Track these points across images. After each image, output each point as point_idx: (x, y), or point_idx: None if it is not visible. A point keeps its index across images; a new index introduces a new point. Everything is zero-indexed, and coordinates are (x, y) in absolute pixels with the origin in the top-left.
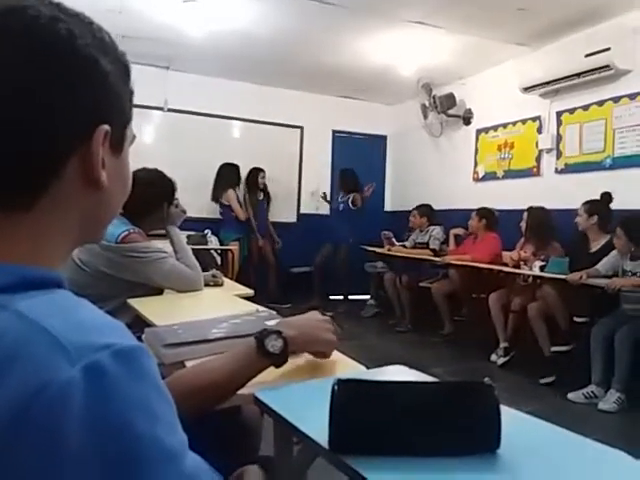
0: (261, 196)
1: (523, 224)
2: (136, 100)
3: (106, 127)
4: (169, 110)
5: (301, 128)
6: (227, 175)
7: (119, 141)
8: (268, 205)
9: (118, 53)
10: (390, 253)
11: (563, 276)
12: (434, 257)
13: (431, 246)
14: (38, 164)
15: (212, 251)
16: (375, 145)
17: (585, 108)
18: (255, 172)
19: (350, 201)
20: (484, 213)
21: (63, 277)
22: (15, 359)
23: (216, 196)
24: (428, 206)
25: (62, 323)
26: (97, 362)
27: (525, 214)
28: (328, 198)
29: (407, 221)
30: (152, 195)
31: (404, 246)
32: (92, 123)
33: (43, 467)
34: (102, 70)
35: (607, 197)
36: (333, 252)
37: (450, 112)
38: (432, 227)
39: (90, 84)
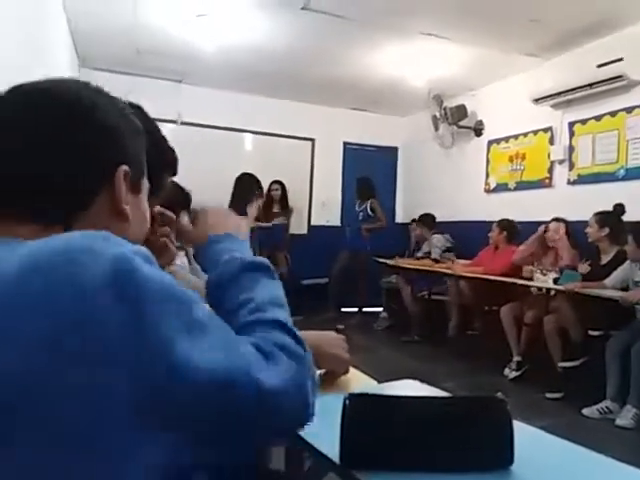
0: (277, 209)
1: (551, 234)
2: (150, 114)
3: (125, 167)
4: (182, 123)
5: (312, 140)
6: (247, 187)
7: (136, 183)
8: (287, 218)
9: (132, 120)
10: (401, 265)
11: (561, 287)
12: (444, 268)
13: (432, 255)
14: (75, 193)
15: None
16: (386, 157)
17: (598, 119)
18: (269, 185)
19: (369, 208)
20: (505, 225)
21: None
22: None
23: (239, 209)
24: (428, 215)
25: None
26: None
27: (552, 226)
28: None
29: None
30: (167, 207)
31: (417, 258)
32: (114, 164)
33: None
34: (119, 131)
35: (620, 209)
36: (350, 261)
37: (461, 123)
38: (434, 236)
39: (111, 140)
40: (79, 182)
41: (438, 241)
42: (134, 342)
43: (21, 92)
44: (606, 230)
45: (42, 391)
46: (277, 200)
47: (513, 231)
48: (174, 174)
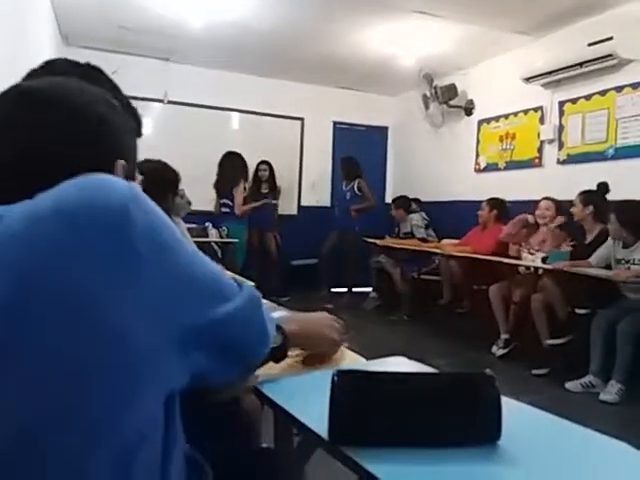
0: (265, 189)
1: (541, 212)
2: (136, 92)
3: (122, 162)
4: (169, 102)
5: (302, 120)
6: (234, 166)
7: (131, 177)
8: (276, 198)
9: (127, 118)
10: (390, 245)
11: (549, 266)
12: (433, 248)
13: (416, 235)
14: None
15: (213, 244)
16: (376, 136)
17: (587, 98)
18: (257, 166)
19: (356, 187)
20: (495, 203)
21: None
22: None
23: (225, 189)
24: (402, 197)
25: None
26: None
27: (546, 202)
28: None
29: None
30: (156, 186)
31: (400, 237)
32: (114, 158)
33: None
34: (114, 127)
35: (604, 187)
36: (339, 241)
37: (451, 103)
38: (410, 216)
39: (109, 136)
40: (91, 167)
41: (417, 220)
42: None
43: (21, 93)
44: (590, 208)
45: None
46: (265, 180)
47: (503, 209)
48: (139, 135)
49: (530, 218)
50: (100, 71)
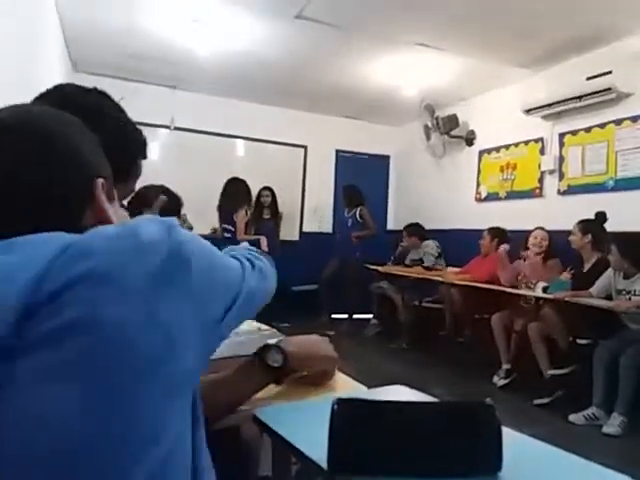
0: (267, 215)
1: (538, 241)
2: (143, 118)
3: (101, 180)
4: (175, 128)
5: (305, 147)
6: (238, 191)
7: (110, 193)
8: (277, 225)
9: (92, 135)
10: (393, 272)
11: (550, 296)
12: (434, 276)
13: (425, 263)
14: (65, 219)
15: None
16: (378, 165)
17: (587, 130)
18: (259, 191)
19: (358, 215)
20: (496, 233)
21: None
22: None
23: (227, 214)
24: (416, 224)
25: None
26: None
27: (541, 232)
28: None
29: (400, 241)
30: (157, 211)
31: (405, 265)
32: (92, 177)
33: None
34: (82, 150)
35: (602, 217)
36: (340, 267)
37: (453, 133)
38: (425, 243)
39: (80, 160)
40: (64, 204)
41: (431, 248)
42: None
43: None
44: (589, 237)
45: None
46: (267, 206)
47: (503, 238)
48: (145, 157)
49: (502, 250)
50: (106, 95)
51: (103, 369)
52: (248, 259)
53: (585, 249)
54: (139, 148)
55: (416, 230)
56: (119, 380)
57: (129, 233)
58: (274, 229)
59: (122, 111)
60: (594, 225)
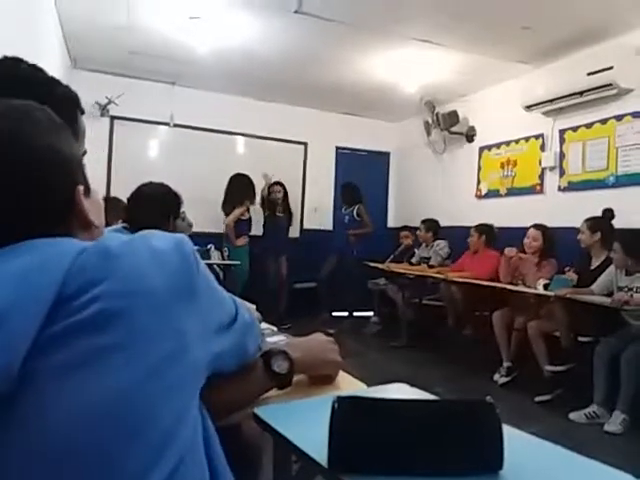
0: (281, 212)
1: (529, 241)
2: (142, 115)
3: (81, 187)
4: (175, 125)
5: (305, 144)
6: (240, 187)
7: (87, 187)
8: (289, 222)
9: (66, 133)
10: (392, 270)
11: (551, 293)
12: (434, 273)
13: (432, 262)
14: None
15: (215, 266)
16: (378, 161)
17: (588, 126)
18: (269, 187)
19: (355, 212)
20: (483, 229)
21: None
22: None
23: (229, 209)
24: (434, 221)
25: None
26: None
27: (534, 231)
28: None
29: (399, 239)
30: (157, 208)
31: (411, 263)
32: (73, 187)
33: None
34: (72, 157)
35: (609, 213)
36: (338, 264)
37: (453, 129)
38: (437, 242)
39: (65, 167)
40: (49, 218)
41: (441, 249)
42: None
43: None
44: (598, 235)
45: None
46: (279, 203)
47: (491, 235)
48: (83, 111)
49: (507, 252)
50: (18, 59)
51: (142, 353)
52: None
53: (594, 247)
54: (76, 103)
55: (432, 226)
56: (155, 362)
57: (142, 241)
58: (287, 227)
59: (39, 69)
60: (602, 222)
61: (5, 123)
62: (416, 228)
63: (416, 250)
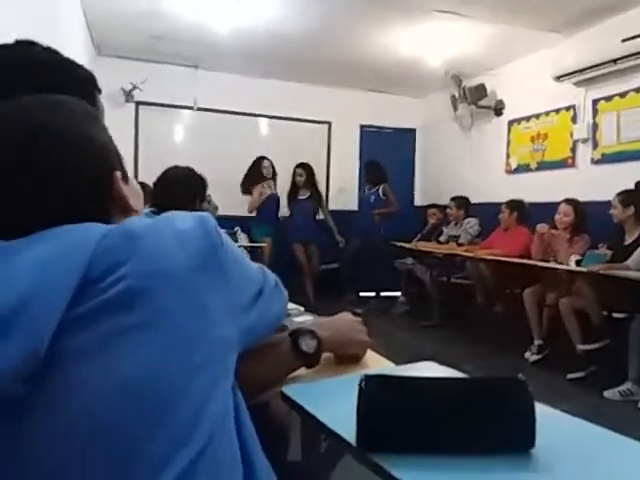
0: (303, 195)
1: (560, 216)
2: (166, 100)
3: (118, 172)
4: (198, 109)
5: (329, 123)
6: (257, 169)
7: (125, 175)
8: (317, 205)
9: (101, 122)
10: (419, 248)
11: (584, 269)
12: (462, 251)
13: (461, 240)
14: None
15: (242, 249)
16: (404, 139)
17: (622, 95)
18: (294, 170)
19: (381, 191)
20: (515, 205)
21: None
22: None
23: (245, 189)
24: (465, 198)
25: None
26: None
27: (565, 206)
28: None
29: (426, 217)
30: (184, 192)
31: (439, 242)
32: (110, 175)
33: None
34: (108, 145)
35: None
36: (363, 245)
37: (481, 103)
38: (467, 220)
39: (100, 156)
40: (92, 204)
41: (471, 227)
42: None
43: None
44: (631, 209)
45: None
46: (301, 186)
47: (523, 211)
48: (100, 90)
49: (539, 228)
50: (30, 42)
51: (167, 332)
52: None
53: (628, 222)
54: (94, 83)
55: (463, 203)
56: (183, 336)
57: (165, 222)
58: (310, 210)
59: (53, 51)
60: (636, 196)
61: (39, 114)
62: (444, 206)
63: (444, 228)
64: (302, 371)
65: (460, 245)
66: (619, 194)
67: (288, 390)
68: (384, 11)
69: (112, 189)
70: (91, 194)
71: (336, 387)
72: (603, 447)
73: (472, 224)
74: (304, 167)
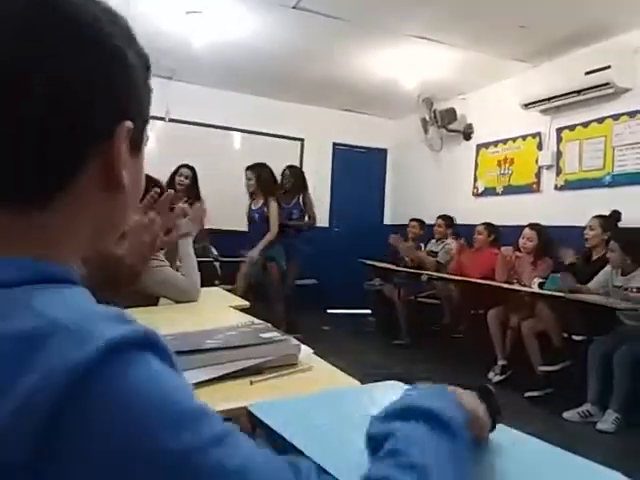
0: (255, 203)
1: (524, 241)
2: None
3: (129, 124)
4: (170, 120)
5: (302, 140)
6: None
7: (138, 141)
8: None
9: (140, 46)
10: (389, 267)
11: (548, 292)
12: (433, 271)
13: (439, 258)
14: (55, 162)
15: (214, 263)
16: (375, 158)
17: (585, 125)
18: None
19: (302, 202)
20: (492, 229)
21: (77, 275)
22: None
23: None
24: (450, 217)
25: (74, 315)
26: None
27: (529, 231)
28: None
29: (405, 233)
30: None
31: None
32: (115, 119)
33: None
34: (128, 63)
35: (617, 215)
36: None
37: (451, 127)
38: (450, 240)
39: (115, 77)
40: (63, 145)
41: (451, 248)
42: None
43: None
44: (607, 234)
45: None
46: (252, 190)
47: (497, 235)
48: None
49: (504, 251)
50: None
51: None
52: None
53: (600, 245)
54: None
55: (450, 224)
56: None
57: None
58: (262, 218)
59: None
60: (612, 222)
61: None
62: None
63: (421, 244)
64: (269, 390)
65: (439, 263)
66: (598, 217)
67: (253, 408)
68: (362, 33)
69: (106, 149)
70: (57, 141)
71: (305, 405)
72: (562, 468)
73: (452, 246)
74: (252, 169)
